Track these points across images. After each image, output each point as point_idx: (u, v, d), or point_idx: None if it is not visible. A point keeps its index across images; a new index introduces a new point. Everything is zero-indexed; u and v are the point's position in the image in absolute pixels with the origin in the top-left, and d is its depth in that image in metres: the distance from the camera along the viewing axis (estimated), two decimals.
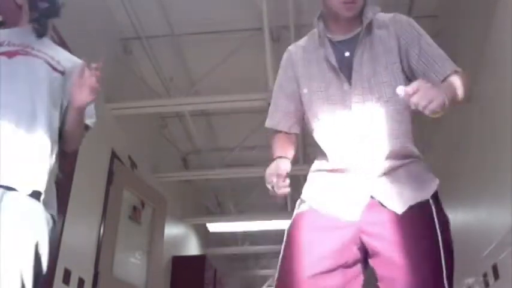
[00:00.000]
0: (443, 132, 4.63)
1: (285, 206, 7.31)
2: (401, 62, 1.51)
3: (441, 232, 1.37)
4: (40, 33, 1.85)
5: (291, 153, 1.65)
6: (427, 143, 5.17)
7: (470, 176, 3.86)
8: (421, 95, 1.21)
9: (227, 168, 6.31)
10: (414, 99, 1.21)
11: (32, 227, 1.53)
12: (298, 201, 1.57)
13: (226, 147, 6.34)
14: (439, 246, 1.35)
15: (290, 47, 1.70)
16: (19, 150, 1.58)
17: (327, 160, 1.53)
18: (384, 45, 1.52)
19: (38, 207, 1.56)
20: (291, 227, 1.50)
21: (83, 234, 3.88)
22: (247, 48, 4.61)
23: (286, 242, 1.48)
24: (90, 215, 4.04)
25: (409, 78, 1.53)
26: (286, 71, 1.66)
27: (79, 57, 1.95)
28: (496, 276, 3.34)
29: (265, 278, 11.78)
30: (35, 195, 1.56)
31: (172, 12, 4.45)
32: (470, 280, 3.87)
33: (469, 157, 3.89)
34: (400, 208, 1.39)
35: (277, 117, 1.68)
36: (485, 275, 3.53)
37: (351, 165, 1.46)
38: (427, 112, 1.22)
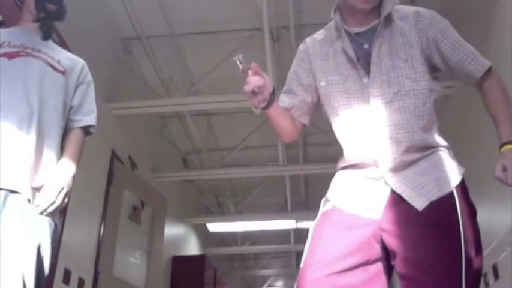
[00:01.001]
0: (443, 132, 4.62)
1: (285, 206, 7.32)
2: (430, 54, 1.50)
3: (463, 225, 1.34)
4: (46, 35, 1.85)
5: (285, 114, 1.60)
6: None
7: (471, 176, 3.85)
8: None
9: (227, 168, 6.31)
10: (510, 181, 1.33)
11: (34, 228, 1.53)
12: (323, 200, 1.54)
13: (226, 147, 6.34)
14: (459, 244, 1.32)
15: (307, 39, 1.67)
16: (20, 153, 1.58)
17: (345, 155, 1.52)
18: (404, 37, 1.50)
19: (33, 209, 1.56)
20: (316, 226, 1.49)
21: (83, 234, 3.87)
22: (247, 48, 4.60)
23: (310, 239, 1.47)
24: (90, 215, 4.04)
25: (435, 69, 1.53)
26: (303, 63, 1.62)
27: (79, 56, 1.96)
28: (496, 276, 3.34)
29: (265, 278, 11.79)
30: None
31: (172, 12, 4.45)
32: None
33: (469, 157, 3.89)
34: (420, 204, 1.37)
35: (293, 102, 1.61)
36: (485, 275, 3.53)
37: (369, 159, 1.44)
38: None
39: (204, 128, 6.13)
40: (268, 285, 11.89)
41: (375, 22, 1.52)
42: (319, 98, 1.61)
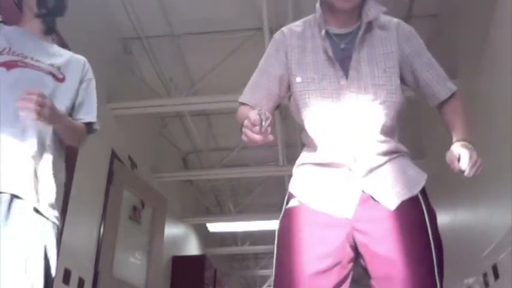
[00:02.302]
0: (443, 132, 4.62)
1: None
2: (401, 68, 1.52)
3: (431, 227, 1.38)
4: (49, 30, 1.86)
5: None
6: (427, 143, 5.17)
7: (470, 177, 3.85)
8: (471, 165, 1.34)
9: (227, 168, 6.31)
10: (467, 172, 1.34)
11: (40, 231, 1.55)
12: (287, 196, 1.52)
13: (226, 147, 6.35)
14: (430, 242, 1.35)
15: (284, 29, 1.63)
16: (21, 162, 1.59)
17: (316, 154, 1.49)
18: (385, 47, 1.51)
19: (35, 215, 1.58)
20: (283, 224, 1.47)
21: (83, 234, 3.88)
22: (247, 48, 4.60)
23: (280, 240, 1.46)
24: (90, 215, 4.04)
25: (406, 84, 1.56)
26: (278, 54, 1.58)
27: None
28: (496, 276, 3.34)
29: (265, 278, 11.79)
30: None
31: (172, 12, 4.45)
32: (470, 280, 3.88)
33: None
34: (392, 204, 1.38)
35: (258, 96, 1.58)
36: (485, 275, 3.53)
37: (340, 160, 1.44)
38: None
39: (204, 128, 6.13)
40: (268, 285, 11.88)
41: (355, 25, 1.53)
42: (285, 92, 1.59)
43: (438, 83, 1.54)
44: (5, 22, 1.88)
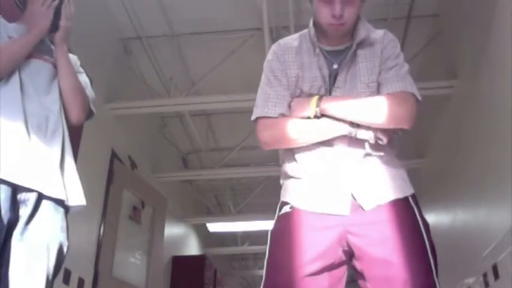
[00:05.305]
0: (443, 132, 4.62)
1: None
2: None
3: (425, 231, 1.40)
4: (50, 31, 1.88)
5: None
6: (427, 143, 5.17)
7: (470, 176, 3.86)
8: None
9: (227, 168, 6.31)
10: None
11: (59, 232, 1.67)
12: (279, 205, 1.55)
13: (226, 147, 6.35)
14: (425, 245, 1.37)
15: (281, 42, 1.64)
16: (49, 158, 1.62)
17: (303, 166, 1.51)
18: (369, 62, 1.53)
19: (61, 213, 1.70)
20: (276, 229, 1.51)
21: (83, 234, 3.87)
22: (247, 48, 4.61)
23: (272, 244, 1.48)
24: (90, 215, 4.04)
25: None
26: (280, 65, 1.57)
27: (79, 56, 1.97)
28: (496, 276, 3.34)
29: None
30: (60, 202, 1.68)
31: (172, 12, 4.45)
32: (470, 280, 3.88)
33: (469, 157, 3.89)
34: (381, 200, 1.41)
35: (286, 107, 1.54)
36: (485, 275, 3.53)
37: (327, 170, 1.46)
38: None
39: (204, 128, 6.13)
40: None
41: (348, 43, 1.55)
42: None
43: (386, 86, 1.49)
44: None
